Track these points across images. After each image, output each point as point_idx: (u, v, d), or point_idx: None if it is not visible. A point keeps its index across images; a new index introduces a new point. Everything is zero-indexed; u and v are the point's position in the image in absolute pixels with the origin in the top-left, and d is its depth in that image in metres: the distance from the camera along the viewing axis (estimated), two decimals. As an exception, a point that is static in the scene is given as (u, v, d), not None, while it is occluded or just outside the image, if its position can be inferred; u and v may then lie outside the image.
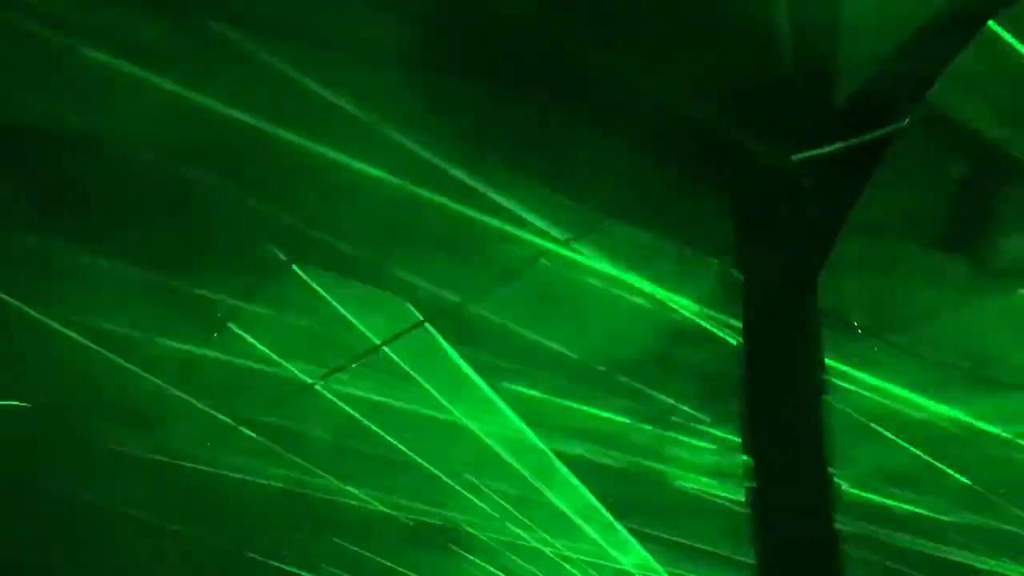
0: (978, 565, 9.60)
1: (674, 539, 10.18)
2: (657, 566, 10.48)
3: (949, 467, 8.45)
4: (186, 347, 8.48)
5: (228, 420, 9.28)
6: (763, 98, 5.64)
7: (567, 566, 10.78)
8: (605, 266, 7.42)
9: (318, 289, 7.83)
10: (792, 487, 5.34)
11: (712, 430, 8.82)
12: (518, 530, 10.42)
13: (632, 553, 10.46)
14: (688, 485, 9.45)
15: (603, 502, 9.94)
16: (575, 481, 9.72)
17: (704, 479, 9.32)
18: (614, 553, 10.48)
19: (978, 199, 5.98)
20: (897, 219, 6.13)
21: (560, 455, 9.48)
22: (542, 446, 9.33)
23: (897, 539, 9.44)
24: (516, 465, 9.59)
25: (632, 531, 10.23)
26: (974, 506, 8.92)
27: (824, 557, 5.22)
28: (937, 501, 8.96)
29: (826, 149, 5.62)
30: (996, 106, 5.78)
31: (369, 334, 8.18)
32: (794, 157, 5.64)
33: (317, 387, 8.79)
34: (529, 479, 9.78)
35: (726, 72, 5.59)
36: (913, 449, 8.32)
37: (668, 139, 5.77)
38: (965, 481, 8.58)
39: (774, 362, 5.51)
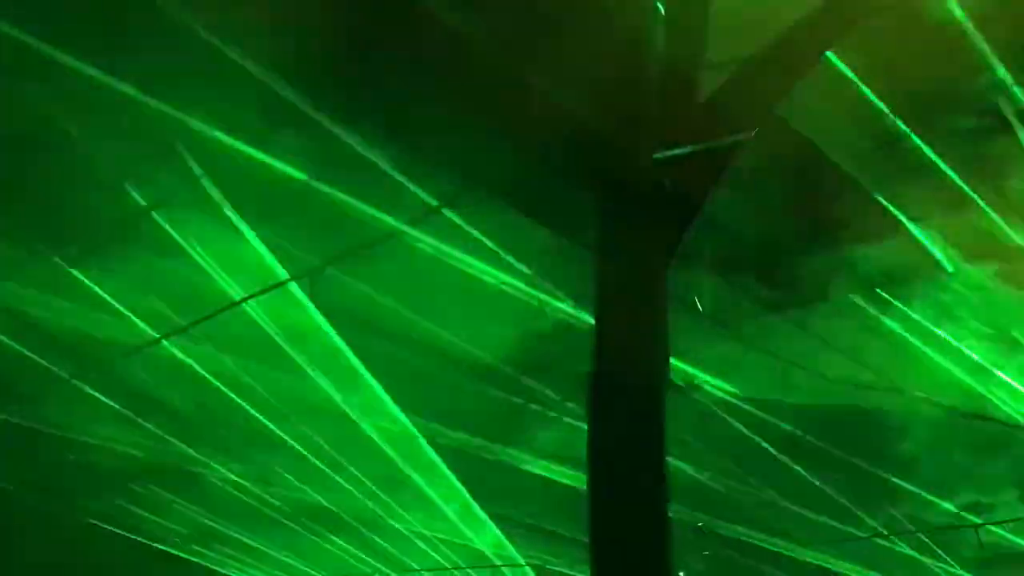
0: (802, 554, 9.97)
1: (526, 520, 10.32)
2: (510, 547, 10.64)
3: (787, 459, 8.78)
4: (29, 298, 8.22)
5: (76, 382, 9.06)
6: (631, 95, 5.76)
7: (421, 544, 10.86)
8: (476, 244, 7.46)
9: (180, 242, 7.67)
10: (629, 473, 5.47)
11: (568, 417, 8.96)
12: (379, 510, 10.45)
13: (487, 533, 10.59)
14: (540, 471, 9.58)
15: (463, 484, 10.02)
16: (438, 462, 9.78)
17: (558, 464, 9.45)
18: (470, 533, 10.60)
19: (799, 216, 6.22)
20: (739, 222, 6.32)
21: (425, 437, 9.53)
22: (406, 425, 9.37)
23: (726, 526, 9.75)
24: (380, 444, 9.61)
25: (488, 512, 10.34)
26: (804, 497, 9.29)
27: (654, 540, 5.37)
28: (770, 491, 9.30)
29: (685, 149, 5.77)
30: (827, 128, 6.02)
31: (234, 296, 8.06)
32: (655, 155, 5.78)
33: (175, 352, 8.64)
34: (393, 459, 9.82)
35: (597, 66, 5.69)
36: (760, 441, 8.62)
37: (538, 124, 5.85)
38: (802, 473, 8.92)
39: (621, 351, 5.63)
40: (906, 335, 7.39)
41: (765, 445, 8.68)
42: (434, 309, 8.16)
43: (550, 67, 5.69)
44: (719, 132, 5.73)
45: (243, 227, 7.40)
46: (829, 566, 10.07)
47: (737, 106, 5.66)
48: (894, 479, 8.94)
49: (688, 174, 5.82)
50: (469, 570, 10.86)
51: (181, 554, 12.04)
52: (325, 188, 6.92)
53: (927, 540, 9.47)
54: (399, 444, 9.70)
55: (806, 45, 5.50)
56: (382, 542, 11.08)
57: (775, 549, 9.93)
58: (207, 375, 9.01)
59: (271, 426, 9.55)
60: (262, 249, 7.57)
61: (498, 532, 10.55)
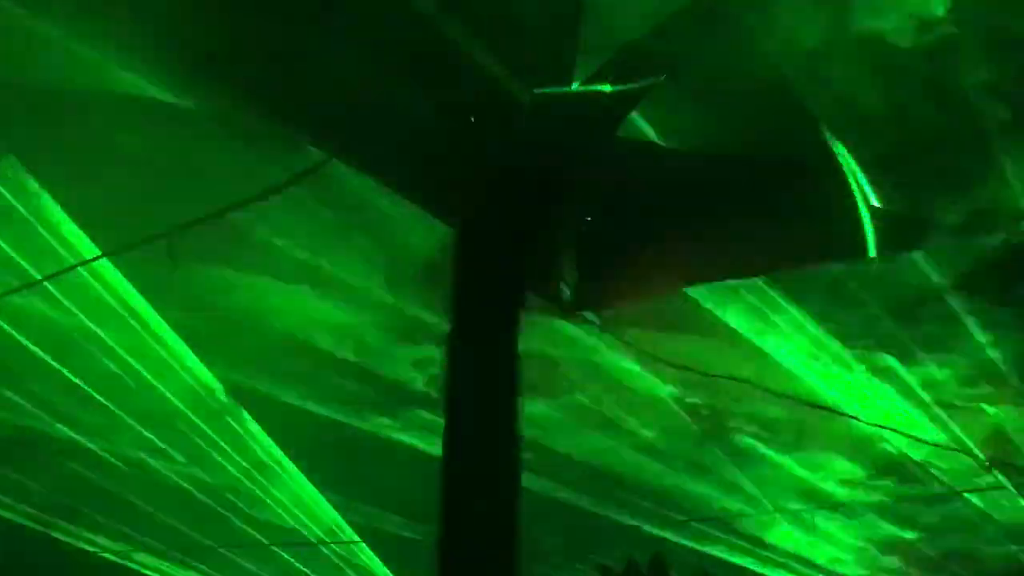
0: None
1: (373, 494, 10.32)
2: (342, 521, 10.64)
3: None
4: None
5: None
6: (505, 76, 5.72)
7: (272, 518, 10.78)
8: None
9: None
10: (481, 446, 5.48)
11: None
12: (203, 474, 10.28)
13: (327, 511, 10.58)
14: (405, 441, 9.56)
15: (300, 451, 9.93)
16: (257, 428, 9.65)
17: (420, 438, 9.42)
18: (317, 510, 10.56)
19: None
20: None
21: (265, 404, 9.41)
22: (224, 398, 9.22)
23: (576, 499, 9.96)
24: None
25: (331, 485, 10.32)
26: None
27: (504, 515, 5.39)
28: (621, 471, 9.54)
29: (552, 129, 5.77)
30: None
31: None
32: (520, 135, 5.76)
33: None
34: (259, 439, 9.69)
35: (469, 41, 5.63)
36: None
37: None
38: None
39: (474, 324, 5.61)
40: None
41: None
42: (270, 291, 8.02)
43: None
44: (588, 119, 5.75)
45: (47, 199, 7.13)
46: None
47: (610, 94, 5.63)
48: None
49: (555, 155, 5.84)
50: (331, 545, 10.83)
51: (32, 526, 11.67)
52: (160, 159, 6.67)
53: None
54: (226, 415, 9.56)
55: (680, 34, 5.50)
56: (235, 519, 10.95)
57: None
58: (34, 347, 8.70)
59: (101, 398, 9.26)
60: (69, 223, 7.31)
61: (335, 511, 10.53)
